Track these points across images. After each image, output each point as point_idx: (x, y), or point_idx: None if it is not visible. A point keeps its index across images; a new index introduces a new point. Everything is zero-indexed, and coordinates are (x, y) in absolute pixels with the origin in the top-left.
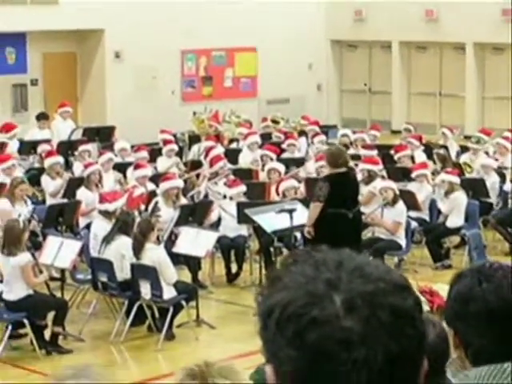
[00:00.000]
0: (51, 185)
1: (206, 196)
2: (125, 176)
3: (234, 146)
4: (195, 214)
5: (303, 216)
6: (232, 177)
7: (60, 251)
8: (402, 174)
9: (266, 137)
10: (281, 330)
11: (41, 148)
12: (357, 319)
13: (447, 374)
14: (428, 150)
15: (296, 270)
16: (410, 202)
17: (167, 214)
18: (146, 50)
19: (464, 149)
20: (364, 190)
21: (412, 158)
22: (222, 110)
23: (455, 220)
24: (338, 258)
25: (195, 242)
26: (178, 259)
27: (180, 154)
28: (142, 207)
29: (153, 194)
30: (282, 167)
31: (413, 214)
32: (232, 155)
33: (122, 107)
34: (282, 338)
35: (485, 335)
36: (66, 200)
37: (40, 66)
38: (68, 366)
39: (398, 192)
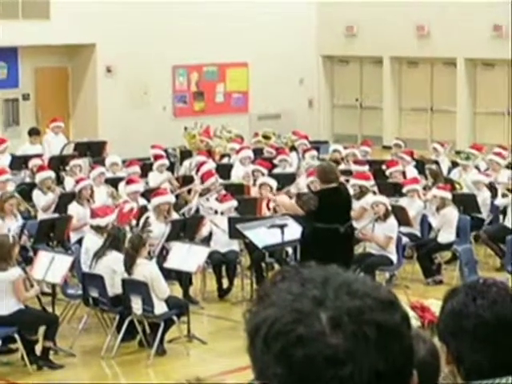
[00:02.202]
0: (42, 200)
1: (198, 211)
2: (116, 191)
3: (225, 161)
4: (186, 229)
5: (294, 231)
6: (223, 192)
7: (51, 266)
8: (393, 190)
9: (257, 152)
10: (268, 348)
11: (32, 163)
12: (343, 336)
13: None
14: (420, 165)
15: (283, 287)
16: (402, 217)
17: (158, 229)
18: (138, 65)
19: (455, 164)
20: (355, 205)
21: (403, 174)
22: (214, 126)
23: (447, 235)
24: (324, 274)
25: (186, 257)
26: (169, 274)
27: (171, 169)
28: (134, 222)
29: (144, 209)
30: (273, 182)
31: (404, 229)
32: (223, 170)
33: (113, 122)
34: (269, 356)
35: (478, 351)
36: (57, 215)
37: (32, 80)
38: None
39: (389, 207)
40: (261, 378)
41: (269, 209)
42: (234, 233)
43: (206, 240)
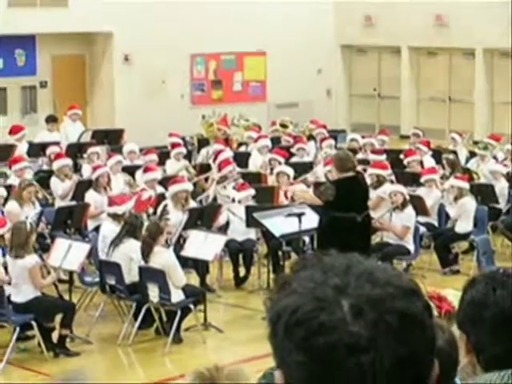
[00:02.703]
0: (60, 187)
1: (215, 199)
2: (133, 179)
3: (242, 149)
4: (203, 217)
5: (312, 220)
6: (241, 180)
7: (68, 254)
8: (410, 179)
9: (275, 141)
10: (289, 335)
11: (50, 150)
12: (364, 324)
13: (456, 379)
14: (437, 155)
15: (304, 275)
16: (419, 206)
17: (176, 217)
18: (156, 53)
19: (473, 154)
20: (373, 194)
21: (421, 163)
22: (232, 114)
23: (464, 225)
24: (346, 262)
25: (203, 245)
26: (186, 263)
27: (189, 157)
28: (151, 210)
29: (161, 197)
30: (290, 171)
31: (421, 219)
32: (241, 159)
33: (130, 110)
34: (291, 343)
35: (499, 341)
36: (74, 202)
37: (49, 68)
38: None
39: (407, 196)
40: (282, 365)
41: (286, 197)
42: (251, 221)
43: (223, 228)
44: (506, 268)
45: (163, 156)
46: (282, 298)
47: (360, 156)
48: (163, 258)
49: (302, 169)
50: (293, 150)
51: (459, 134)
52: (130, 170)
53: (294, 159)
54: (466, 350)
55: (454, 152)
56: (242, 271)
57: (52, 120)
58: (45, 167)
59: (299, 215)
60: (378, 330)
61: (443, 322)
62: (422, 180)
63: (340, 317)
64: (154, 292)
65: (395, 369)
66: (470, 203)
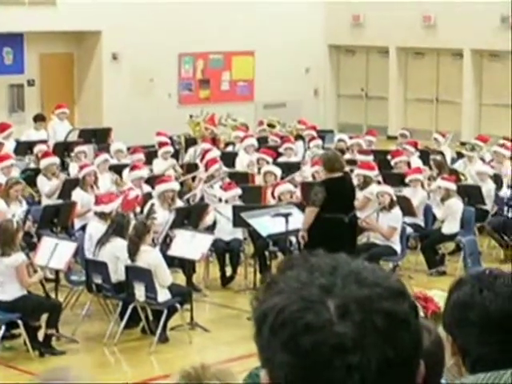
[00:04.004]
0: (47, 185)
1: (202, 199)
2: (120, 177)
3: (229, 149)
4: (190, 216)
5: (299, 220)
6: (228, 180)
7: (55, 252)
8: (397, 180)
9: (262, 140)
10: (275, 335)
11: (37, 148)
12: (351, 324)
13: (442, 380)
14: (424, 156)
15: (291, 275)
16: (405, 207)
17: (163, 216)
18: (144, 52)
19: (460, 155)
20: (359, 195)
21: (408, 164)
22: (219, 114)
23: (451, 226)
24: (333, 262)
25: (190, 244)
26: (172, 262)
27: (176, 156)
28: (138, 209)
29: (148, 196)
30: (278, 171)
31: (408, 219)
32: (228, 158)
33: (118, 109)
34: (277, 343)
35: (484, 343)
36: (61, 201)
37: (37, 66)
38: (47, 369)
39: (394, 197)
40: (267, 365)
41: (273, 197)
42: (238, 221)
43: (210, 228)
44: (493, 269)
45: (150, 155)
46: (268, 297)
47: (347, 156)
48: (150, 257)
49: (289, 169)
50: (280, 150)
51: (442, 135)
52: (117, 169)
53: (281, 159)
54: (451, 352)
55: (441, 153)
56: (228, 271)
57: (40, 119)
58: (32, 165)
59: (286, 215)
60: (365, 330)
61: (430, 322)
62: (407, 180)
63: (326, 317)
64: (140, 291)
65: (382, 369)
66: (456, 204)
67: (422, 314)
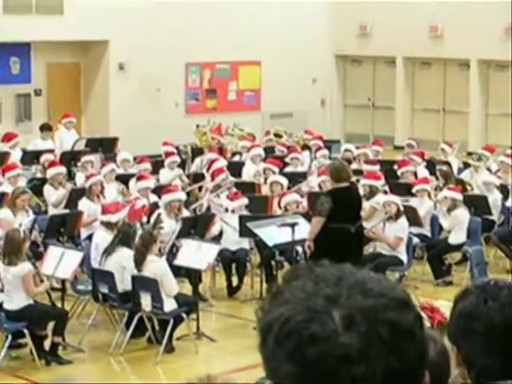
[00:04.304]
0: (53, 195)
1: (209, 209)
2: (127, 187)
3: (236, 158)
4: (197, 226)
5: (305, 230)
6: (234, 190)
7: (61, 262)
8: (404, 190)
9: (269, 150)
10: (280, 346)
11: (44, 158)
12: (356, 335)
13: None
14: (431, 166)
15: (296, 285)
16: (412, 217)
17: (169, 226)
18: (151, 61)
19: (467, 165)
20: (365, 205)
21: (415, 174)
22: (226, 123)
23: (457, 236)
24: (338, 273)
25: (196, 254)
26: (179, 272)
27: (183, 166)
28: (144, 219)
29: (155, 206)
30: (284, 180)
31: (414, 229)
32: (234, 168)
33: (125, 118)
34: (282, 354)
35: (489, 354)
36: (67, 210)
37: (44, 76)
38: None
39: (401, 207)
40: (272, 376)
41: (280, 207)
42: (244, 231)
43: (217, 238)
44: (499, 280)
45: (157, 165)
46: (274, 308)
47: (354, 166)
48: (156, 266)
49: (296, 179)
50: (287, 160)
51: (449, 145)
52: (124, 179)
53: (287, 169)
54: (456, 363)
55: (448, 163)
56: (234, 281)
57: (46, 128)
58: (38, 175)
59: (292, 225)
60: (370, 341)
61: (436, 333)
62: (414, 190)
63: (331, 328)
64: (146, 301)
65: (387, 380)
66: (463, 214)
67: (428, 324)
